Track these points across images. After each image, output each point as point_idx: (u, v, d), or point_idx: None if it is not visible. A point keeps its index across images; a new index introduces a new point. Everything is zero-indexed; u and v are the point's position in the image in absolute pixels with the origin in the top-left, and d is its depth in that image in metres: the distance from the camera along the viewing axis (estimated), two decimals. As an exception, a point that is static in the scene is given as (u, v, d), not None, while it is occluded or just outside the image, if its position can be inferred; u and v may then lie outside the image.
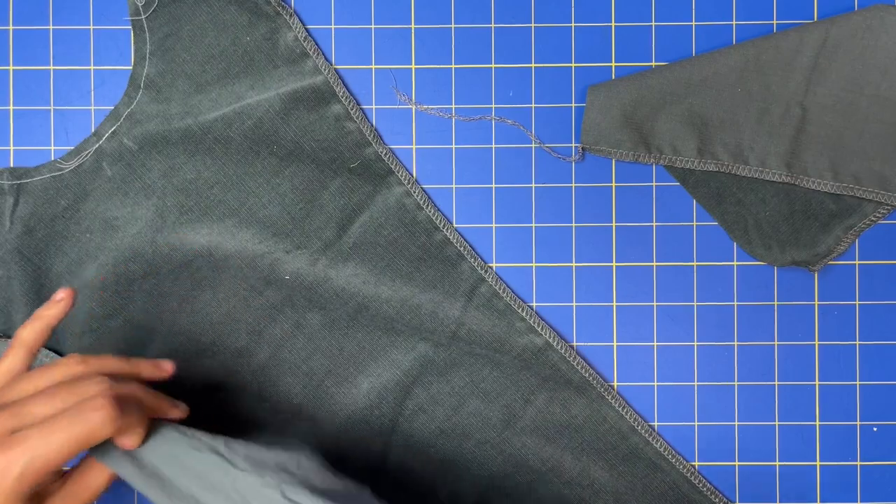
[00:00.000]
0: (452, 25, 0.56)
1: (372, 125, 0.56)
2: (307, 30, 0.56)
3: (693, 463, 0.55)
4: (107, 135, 0.54)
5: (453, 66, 0.56)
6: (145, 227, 0.54)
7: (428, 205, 0.55)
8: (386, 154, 0.55)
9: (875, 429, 0.55)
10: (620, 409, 0.54)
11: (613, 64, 0.56)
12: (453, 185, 0.56)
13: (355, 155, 0.55)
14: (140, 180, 0.54)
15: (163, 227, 0.54)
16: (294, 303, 0.55)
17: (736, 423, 0.56)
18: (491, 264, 0.56)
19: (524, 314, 0.55)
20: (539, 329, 0.54)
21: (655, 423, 0.56)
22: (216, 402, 0.55)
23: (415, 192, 0.55)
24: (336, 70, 0.56)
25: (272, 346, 0.55)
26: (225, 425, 0.55)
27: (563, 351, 0.54)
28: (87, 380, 0.40)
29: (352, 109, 0.55)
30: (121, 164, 0.54)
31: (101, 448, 0.41)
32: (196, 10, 0.54)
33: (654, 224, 0.56)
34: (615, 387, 0.56)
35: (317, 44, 0.55)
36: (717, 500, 0.55)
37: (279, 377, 0.55)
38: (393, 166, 0.55)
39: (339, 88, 0.55)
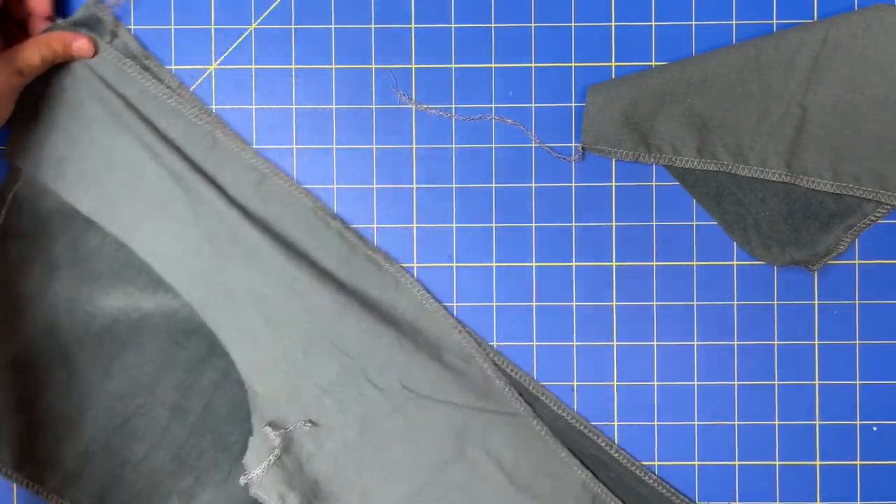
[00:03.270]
0: (452, 25, 0.56)
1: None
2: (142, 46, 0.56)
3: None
4: (2, 215, 0.54)
5: (453, 66, 0.56)
6: (59, 299, 0.54)
7: (335, 217, 0.55)
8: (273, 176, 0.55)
9: (875, 429, 0.55)
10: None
11: (613, 64, 0.56)
12: (453, 185, 0.56)
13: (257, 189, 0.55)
14: (45, 254, 0.54)
15: (77, 296, 0.54)
16: (219, 349, 0.54)
17: (736, 422, 0.56)
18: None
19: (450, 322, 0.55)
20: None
21: (655, 423, 0.56)
22: (158, 461, 0.54)
23: (317, 207, 0.55)
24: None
25: (205, 397, 0.54)
26: (168, 483, 0.54)
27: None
28: None
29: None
30: (24, 241, 0.54)
31: None
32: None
33: (654, 224, 0.56)
34: (615, 386, 0.56)
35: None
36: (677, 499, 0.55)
37: (215, 426, 0.55)
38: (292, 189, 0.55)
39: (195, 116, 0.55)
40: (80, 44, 0.53)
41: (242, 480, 0.52)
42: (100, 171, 0.53)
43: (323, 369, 0.53)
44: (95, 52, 0.53)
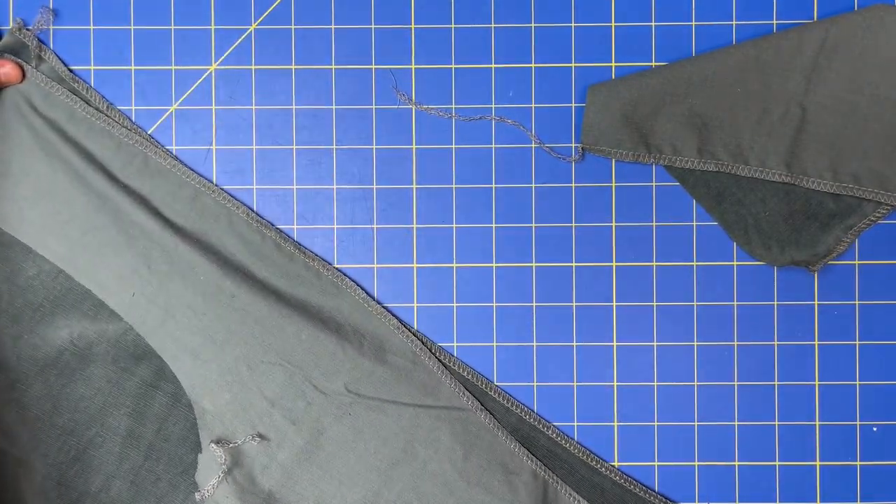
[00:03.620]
0: (452, 25, 0.56)
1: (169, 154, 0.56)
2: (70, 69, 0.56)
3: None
4: None
5: (453, 66, 0.56)
6: (2, 335, 0.54)
7: (271, 228, 0.55)
8: (215, 194, 0.56)
9: (875, 429, 0.55)
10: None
11: (613, 64, 0.56)
12: (453, 185, 0.56)
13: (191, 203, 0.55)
14: None
15: (19, 330, 0.54)
16: (167, 373, 0.54)
17: (736, 422, 0.56)
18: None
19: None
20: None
21: (655, 423, 0.56)
22: (116, 490, 0.54)
23: (251, 219, 0.55)
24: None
25: (156, 422, 0.54)
26: None
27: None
28: None
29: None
30: None
31: None
32: None
33: (654, 224, 0.56)
34: (615, 386, 0.56)
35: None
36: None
37: (169, 450, 0.55)
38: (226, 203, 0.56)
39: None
40: (6, 70, 0.53)
41: (197, 497, 0.53)
42: (32, 199, 0.54)
43: (269, 381, 0.54)
44: (23, 78, 0.54)
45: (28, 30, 0.55)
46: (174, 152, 0.56)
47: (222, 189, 0.56)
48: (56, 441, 0.54)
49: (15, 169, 0.54)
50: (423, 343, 0.55)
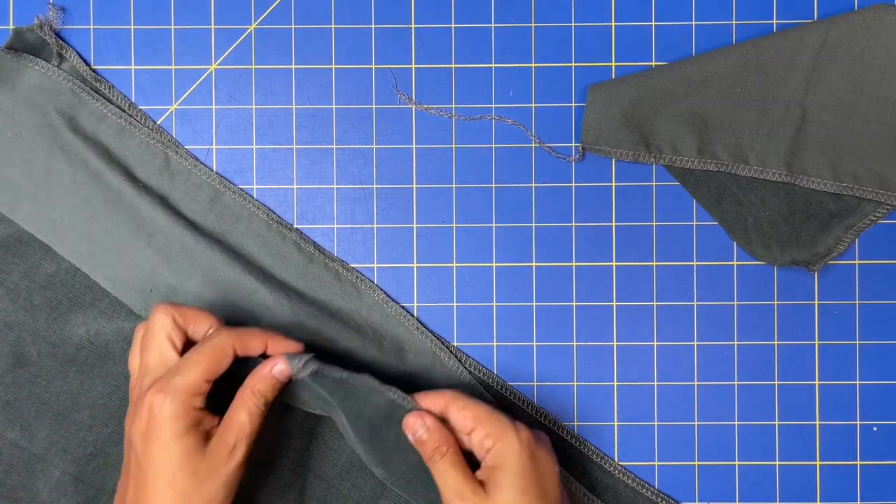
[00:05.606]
0: (452, 25, 0.56)
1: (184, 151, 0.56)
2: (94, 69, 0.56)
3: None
4: None
5: (453, 66, 0.56)
6: (20, 331, 0.54)
7: (292, 229, 0.56)
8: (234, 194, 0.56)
9: (875, 429, 0.55)
10: None
11: (613, 64, 0.56)
12: (453, 185, 0.56)
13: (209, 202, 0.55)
14: (4, 284, 0.54)
15: (38, 326, 0.54)
16: None
17: (736, 422, 0.56)
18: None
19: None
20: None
21: (655, 423, 0.56)
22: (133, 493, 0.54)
23: (271, 220, 0.55)
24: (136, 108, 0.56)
25: None
26: None
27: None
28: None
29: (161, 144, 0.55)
30: None
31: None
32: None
33: (654, 224, 0.56)
34: (615, 386, 0.56)
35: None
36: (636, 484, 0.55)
37: None
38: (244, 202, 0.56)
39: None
40: (280, 369, 0.47)
41: (284, 369, 0.48)
42: (52, 198, 0.54)
43: None
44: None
45: (44, 20, 0.55)
46: (174, 152, 0.56)
47: (242, 190, 0.56)
48: (75, 437, 0.54)
49: (37, 168, 0.54)
50: (442, 343, 0.55)
